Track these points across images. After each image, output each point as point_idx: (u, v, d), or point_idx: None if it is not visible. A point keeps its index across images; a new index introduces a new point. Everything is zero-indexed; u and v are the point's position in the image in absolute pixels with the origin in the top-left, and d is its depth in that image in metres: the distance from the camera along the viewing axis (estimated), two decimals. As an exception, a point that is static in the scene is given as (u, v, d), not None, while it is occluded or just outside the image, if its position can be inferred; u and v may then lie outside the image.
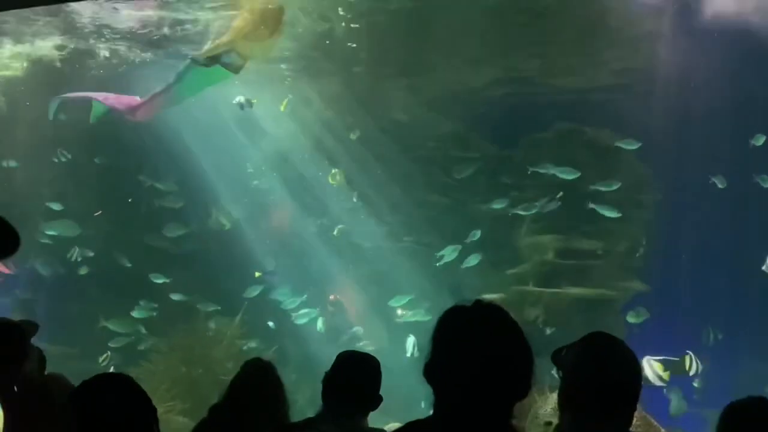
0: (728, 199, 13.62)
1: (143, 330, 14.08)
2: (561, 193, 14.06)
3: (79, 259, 14.47)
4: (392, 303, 14.43)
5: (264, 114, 15.44)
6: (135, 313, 14.15)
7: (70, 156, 14.72)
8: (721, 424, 3.49)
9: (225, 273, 14.88)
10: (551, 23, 13.15)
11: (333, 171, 15.13)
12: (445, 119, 15.74)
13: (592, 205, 13.75)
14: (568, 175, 13.80)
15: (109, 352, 13.50)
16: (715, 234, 13.65)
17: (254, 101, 13.57)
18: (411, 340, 13.36)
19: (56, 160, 14.73)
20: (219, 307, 14.34)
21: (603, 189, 13.86)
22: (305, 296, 14.60)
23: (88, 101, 11.74)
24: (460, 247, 14.12)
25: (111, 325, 14.05)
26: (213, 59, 10.57)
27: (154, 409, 2.98)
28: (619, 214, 13.80)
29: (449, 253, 14.11)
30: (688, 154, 13.63)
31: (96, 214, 14.85)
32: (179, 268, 14.97)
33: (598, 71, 14.43)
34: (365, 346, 12.88)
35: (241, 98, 13.26)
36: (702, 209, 13.68)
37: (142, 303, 14.24)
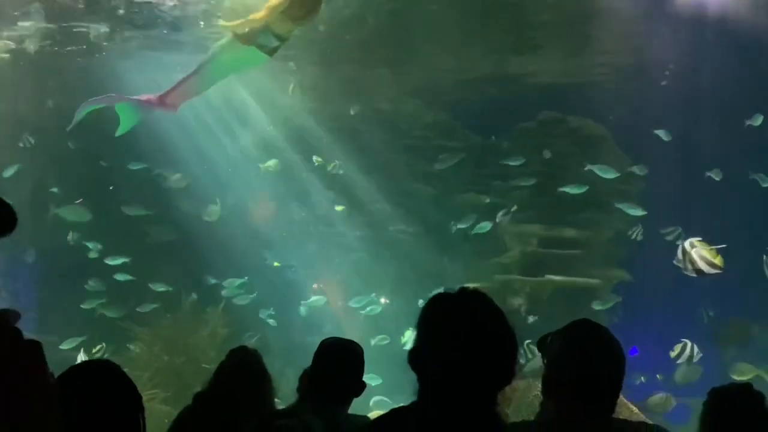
0: (712, 188, 13.70)
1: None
2: (515, 207, 14.03)
3: (72, 243, 14.22)
4: (352, 303, 14.37)
5: (247, 102, 15.40)
6: (85, 305, 14.04)
7: (33, 141, 14.56)
8: (706, 410, 3.50)
9: (208, 262, 14.83)
10: (535, 13, 13.15)
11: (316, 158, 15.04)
12: (428, 109, 15.75)
13: (618, 205, 13.60)
14: (606, 173, 13.64)
15: (103, 344, 13.34)
16: (697, 223, 13.73)
17: None
18: (410, 333, 13.28)
19: (22, 145, 14.57)
20: (170, 288, 14.16)
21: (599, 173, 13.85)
22: (255, 294, 14.40)
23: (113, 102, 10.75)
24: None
25: (107, 313, 13.95)
26: (247, 38, 9.74)
27: (140, 397, 2.97)
28: (645, 212, 13.61)
29: (464, 223, 14.08)
30: (671, 143, 13.70)
31: (77, 202, 14.73)
32: (162, 255, 14.90)
33: (581, 61, 14.47)
34: (382, 340, 12.87)
35: None
36: (686, 198, 13.74)
37: (91, 283, 14.08)
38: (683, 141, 13.80)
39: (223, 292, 14.18)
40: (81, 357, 11.69)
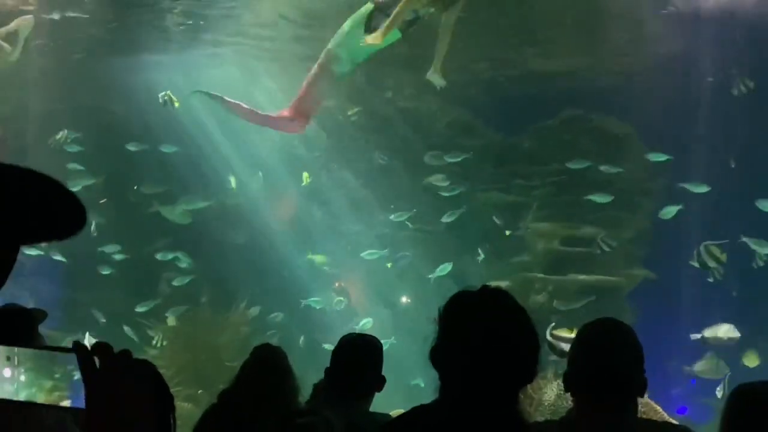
0: (734, 184, 13.56)
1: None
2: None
3: (95, 234, 13.99)
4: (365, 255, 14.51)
5: (264, 98, 15.45)
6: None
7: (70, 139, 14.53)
8: (729, 407, 3.44)
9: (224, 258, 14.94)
10: (556, 9, 13.09)
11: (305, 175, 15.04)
12: (450, 107, 15.70)
13: (744, 239, 13.10)
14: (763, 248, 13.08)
15: (160, 334, 13.38)
16: (720, 220, 13.61)
17: (177, 104, 13.21)
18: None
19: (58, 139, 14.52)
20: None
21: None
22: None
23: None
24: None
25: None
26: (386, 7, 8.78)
27: (172, 398, 2.98)
28: None
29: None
30: (695, 139, 13.57)
31: (101, 201, 14.77)
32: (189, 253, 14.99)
33: (603, 58, 14.36)
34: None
35: (165, 95, 12.99)
36: (708, 195, 13.60)
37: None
38: (708, 135, 13.69)
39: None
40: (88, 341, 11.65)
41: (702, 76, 13.58)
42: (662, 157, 13.45)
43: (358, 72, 14.97)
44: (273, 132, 15.39)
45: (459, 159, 14.15)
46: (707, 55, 13.19)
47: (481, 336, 2.38)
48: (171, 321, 13.63)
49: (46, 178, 1.35)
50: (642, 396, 3.00)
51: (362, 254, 14.49)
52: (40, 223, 1.38)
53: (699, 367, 12.85)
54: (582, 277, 13.84)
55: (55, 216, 1.38)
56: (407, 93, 15.53)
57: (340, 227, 15.43)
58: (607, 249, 13.37)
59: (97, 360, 1.48)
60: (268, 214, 15.75)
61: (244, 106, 10.01)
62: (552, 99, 14.75)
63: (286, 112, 9.59)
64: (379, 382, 3.93)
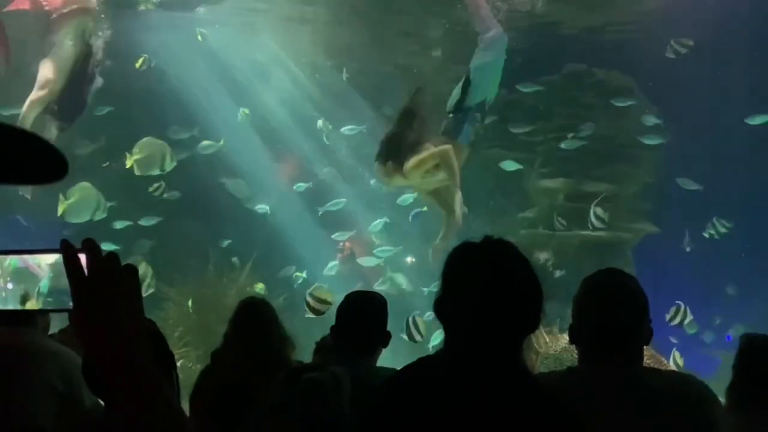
0: (739, 139, 13.50)
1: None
2: None
3: (165, 195, 13.60)
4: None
5: (265, 60, 15.35)
6: None
7: None
8: (740, 358, 3.42)
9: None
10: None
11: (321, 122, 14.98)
12: (451, 63, 15.56)
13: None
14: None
15: (190, 298, 13.43)
16: (725, 174, 13.57)
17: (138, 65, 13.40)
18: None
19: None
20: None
21: None
22: None
23: None
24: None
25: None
26: None
27: (172, 355, 3.00)
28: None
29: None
30: (699, 94, 13.48)
31: (104, 165, 14.70)
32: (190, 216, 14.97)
33: (608, 11, 14.21)
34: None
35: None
36: (712, 149, 13.57)
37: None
38: (714, 90, 13.60)
39: None
40: None
41: (707, 30, 13.43)
42: (653, 121, 13.43)
43: (358, 29, 14.86)
44: (269, 95, 15.36)
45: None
46: (714, 9, 13.05)
47: (484, 285, 2.37)
48: (260, 287, 13.61)
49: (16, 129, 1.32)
50: (647, 345, 3.01)
51: (375, 251, 14.45)
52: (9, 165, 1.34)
53: None
54: (586, 232, 13.84)
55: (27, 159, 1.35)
56: (409, 49, 15.41)
57: (341, 188, 15.40)
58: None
59: (84, 260, 1.45)
60: (272, 177, 15.74)
61: None
62: (556, 53, 14.62)
63: None
64: (385, 338, 3.95)
